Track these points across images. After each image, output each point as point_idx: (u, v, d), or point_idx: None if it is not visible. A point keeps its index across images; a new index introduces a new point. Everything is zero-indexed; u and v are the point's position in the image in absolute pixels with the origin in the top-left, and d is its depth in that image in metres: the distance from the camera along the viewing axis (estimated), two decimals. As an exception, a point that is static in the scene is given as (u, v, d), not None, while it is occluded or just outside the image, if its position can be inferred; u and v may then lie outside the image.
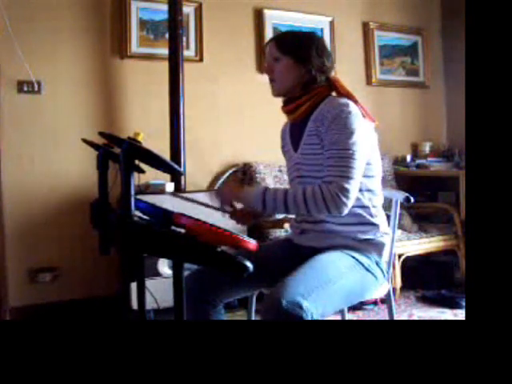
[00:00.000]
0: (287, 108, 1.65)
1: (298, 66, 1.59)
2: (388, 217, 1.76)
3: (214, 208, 1.59)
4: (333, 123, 1.49)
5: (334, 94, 1.63)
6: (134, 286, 1.21)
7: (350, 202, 1.45)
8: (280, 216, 2.54)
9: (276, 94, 1.65)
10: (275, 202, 1.48)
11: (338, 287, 1.43)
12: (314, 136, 1.56)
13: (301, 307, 1.28)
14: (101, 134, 1.31)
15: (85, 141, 1.44)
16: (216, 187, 3.17)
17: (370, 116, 1.57)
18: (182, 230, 1.13)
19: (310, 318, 1.29)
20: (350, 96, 1.57)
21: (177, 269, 1.23)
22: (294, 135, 1.67)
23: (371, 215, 1.59)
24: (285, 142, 1.75)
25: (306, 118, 1.60)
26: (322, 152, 1.53)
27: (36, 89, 2.79)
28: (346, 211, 1.46)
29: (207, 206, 1.59)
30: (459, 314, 2.74)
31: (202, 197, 1.70)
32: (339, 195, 1.43)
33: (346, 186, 1.43)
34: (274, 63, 1.62)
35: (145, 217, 1.27)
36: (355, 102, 1.55)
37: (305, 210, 1.47)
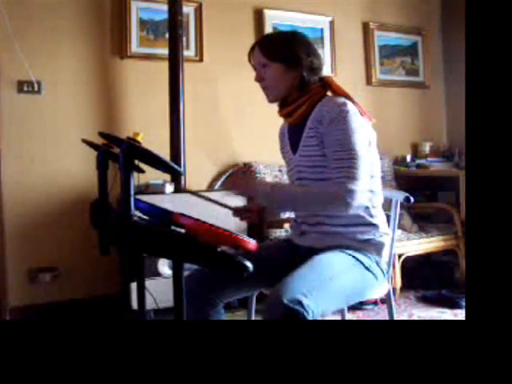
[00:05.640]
0: (284, 112, 1.63)
1: (289, 70, 1.56)
2: (388, 217, 1.75)
3: (221, 205, 1.59)
4: (332, 123, 1.49)
5: (329, 93, 1.62)
6: (134, 285, 1.21)
7: (357, 202, 1.46)
8: (283, 216, 2.56)
9: (271, 100, 1.63)
10: (283, 196, 1.50)
11: (338, 285, 1.43)
12: (313, 138, 1.55)
13: (302, 305, 1.28)
14: (100, 134, 1.31)
15: (84, 141, 1.43)
16: (216, 187, 3.17)
17: (367, 114, 1.56)
18: (182, 230, 1.13)
19: (310, 316, 1.29)
20: (345, 95, 1.56)
21: (177, 269, 1.23)
22: (292, 137, 1.66)
23: (371, 215, 1.58)
24: (284, 144, 1.74)
25: (303, 119, 1.59)
26: (321, 153, 1.53)
27: (36, 89, 2.79)
28: (352, 211, 1.47)
29: (220, 204, 1.59)
30: (459, 314, 2.74)
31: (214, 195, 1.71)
32: (345, 197, 1.44)
33: (354, 187, 1.44)
34: (263, 70, 1.59)
35: (145, 217, 1.27)
36: (352, 100, 1.54)
37: (312, 206, 1.51)
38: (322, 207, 1.48)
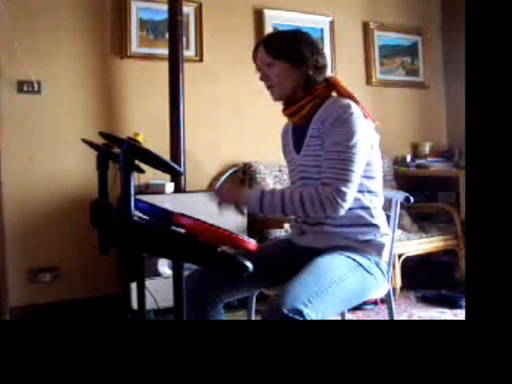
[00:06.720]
0: (288, 111, 1.63)
1: (294, 69, 1.56)
2: (388, 217, 1.75)
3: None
4: (334, 125, 1.49)
5: (334, 94, 1.62)
6: (134, 286, 1.21)
7: (347, 205, 1.46)
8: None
9: (277, 99, 1.63)
10: (273, 204, 1.48)
11: (338, 291, 1.42)
12: (316, 138, 1.55)
13: (302, 314, 1.28)
14: (101, 133, 1.31)
15: (85, 141, 1.44)
16: (215, 187, 3.17)
17: (370, 116, 1.56)
18: (182, 230, 1.13)
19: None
20: (350, 96, 1.56)
21: (177, 269, 1.23)
22: (296, 137, 1.66)
23: (372, 216, 1.58)
24: (286, 143, 1.74)
25: (307, 119, 1.59)
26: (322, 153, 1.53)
27: (36, 89, 2.79)
28: (342, 213, 1.46)
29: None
30: (459, 314, 2.74)
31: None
32: (336, 198, 1.43)
33: (344, 188, 1.44)
34: (268, 69, 1.58)
35: (145, 217, 1.27)
36: (356, 102, 1.54)
37: (302, 212, 1.48)
38: (313, 210, 1.45)
